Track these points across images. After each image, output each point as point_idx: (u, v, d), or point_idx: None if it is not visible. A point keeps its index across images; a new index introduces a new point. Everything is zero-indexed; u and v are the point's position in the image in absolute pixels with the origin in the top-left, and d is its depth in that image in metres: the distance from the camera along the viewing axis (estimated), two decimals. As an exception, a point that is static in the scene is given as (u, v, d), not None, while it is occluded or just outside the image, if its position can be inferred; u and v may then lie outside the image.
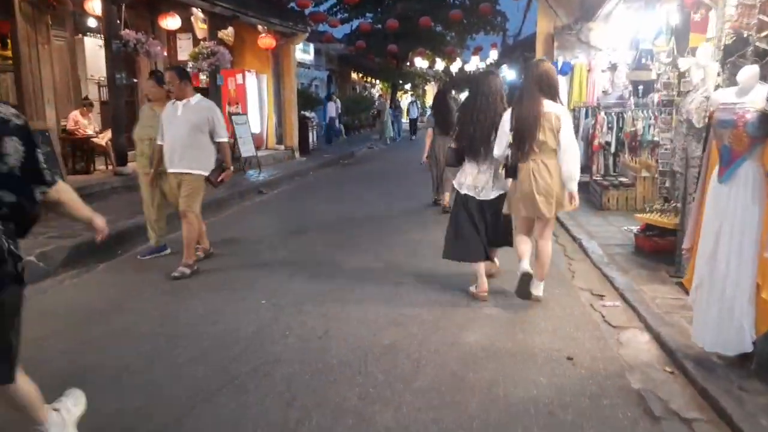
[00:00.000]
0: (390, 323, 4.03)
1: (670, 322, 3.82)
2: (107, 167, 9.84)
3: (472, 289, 4.59)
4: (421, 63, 31.62)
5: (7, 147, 2.11)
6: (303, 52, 25.01)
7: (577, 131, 10.21)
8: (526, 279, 4.31)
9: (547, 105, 4.13)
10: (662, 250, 5.43)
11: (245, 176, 11.51)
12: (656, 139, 7.53)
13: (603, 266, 5.15)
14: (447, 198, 7.91)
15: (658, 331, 3.70)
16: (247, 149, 12.03)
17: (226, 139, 5.53)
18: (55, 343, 3.73)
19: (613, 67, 12.15)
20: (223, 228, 7.38)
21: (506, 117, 4.23)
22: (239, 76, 14.11)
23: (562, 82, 12.32)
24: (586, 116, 9.96)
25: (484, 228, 4.54)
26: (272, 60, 14.52)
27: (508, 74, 20.86)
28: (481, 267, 4.55)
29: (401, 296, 4.63)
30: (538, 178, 4.12)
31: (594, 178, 8.47)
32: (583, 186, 9.99)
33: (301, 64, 24.36)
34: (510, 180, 4.34)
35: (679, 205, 5.25)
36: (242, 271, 5.44)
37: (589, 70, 12.19)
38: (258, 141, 14.82)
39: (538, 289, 4.40)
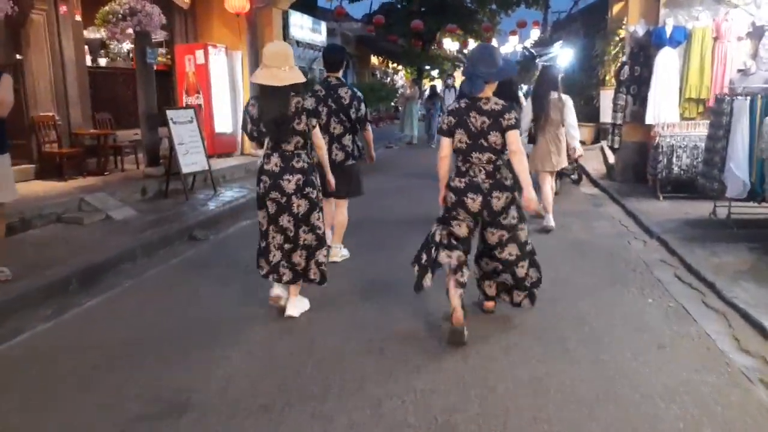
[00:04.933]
0: None
1: None
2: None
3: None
4: (450, 44, 27.39)
5: None
6: (313, 32, 21.30)
7: (727, 133, 5.96)
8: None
9: (554, 94, 6.15)
10: None
11: (186, 203, 7.39)
12: None
13: None
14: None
15: None
16: (190, 162, 7.77)
17: None
18: None
19: (758, 32, 7.94)
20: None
21: (528, 103, 6.39)
22: (200, 54, 10.04)
23: (672, 55, 8.14)
24: (752, 111, 5.68)
25: None
26: (248, 31, 10.43)
27: (563, 54, 16.26)
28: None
29: None
30: (550, 144, 6.17)
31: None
32: (760, 236, 5.41)
33: (311, 46, 20.48)
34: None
35: None
36: None
37: (716, 38, 8.14)
38: (228, 145, 10.84)
39: (549, 221, 6.19)
